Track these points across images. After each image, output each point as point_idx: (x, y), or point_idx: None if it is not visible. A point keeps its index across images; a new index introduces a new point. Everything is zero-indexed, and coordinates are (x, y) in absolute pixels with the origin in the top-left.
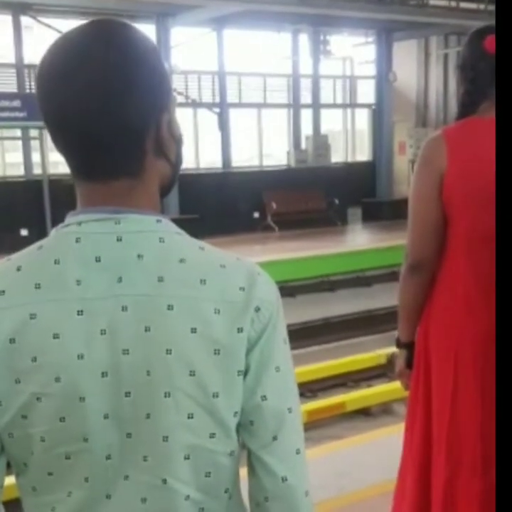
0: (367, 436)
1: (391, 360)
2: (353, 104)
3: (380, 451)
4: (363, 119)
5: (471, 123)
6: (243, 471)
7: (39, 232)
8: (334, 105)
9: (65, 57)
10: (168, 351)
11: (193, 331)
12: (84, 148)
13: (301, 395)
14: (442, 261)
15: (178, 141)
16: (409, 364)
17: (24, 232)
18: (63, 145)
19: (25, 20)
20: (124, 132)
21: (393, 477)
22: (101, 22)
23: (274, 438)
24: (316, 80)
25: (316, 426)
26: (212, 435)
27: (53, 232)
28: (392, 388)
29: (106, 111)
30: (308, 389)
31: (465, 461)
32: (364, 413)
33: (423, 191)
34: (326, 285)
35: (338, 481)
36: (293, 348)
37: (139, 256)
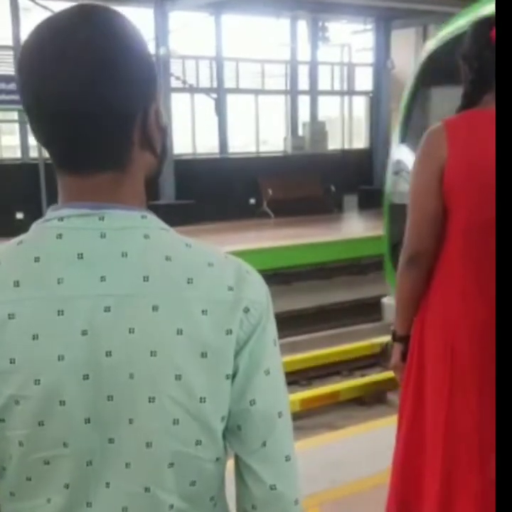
0: (359, 427)
1: (385, 349)
2: (351, 92)
3: (373, 443)
4: (360, 107)
5: (473, 115)
6: (229, 477)
7: (34, 215)
8: (332, 92)
9: (49, 41)
10: (153, 353)
11: (179, 332)
12: (69, 136)
13: (296, 383)
14: (440, 253)
15: (163, 132)
16: (404, 357)
17: (20, 216)
18: (46, 134)
19: (23, 2)
20: (111, 119)
21: (386, 469)
22: (86, 6)
23: (263, 444)
24: (313, 66)
25: (309, 414)
26: (198, 442)
27: (34, 227)
28: (386, 377)
29: (92, 95)
30: (303, 377)
31: (462, 456)
32: (358, 402)
33: (423, 182)
34: (321, 273)
35: (330, 473)
36: (288, 335)
37: (123, 254)
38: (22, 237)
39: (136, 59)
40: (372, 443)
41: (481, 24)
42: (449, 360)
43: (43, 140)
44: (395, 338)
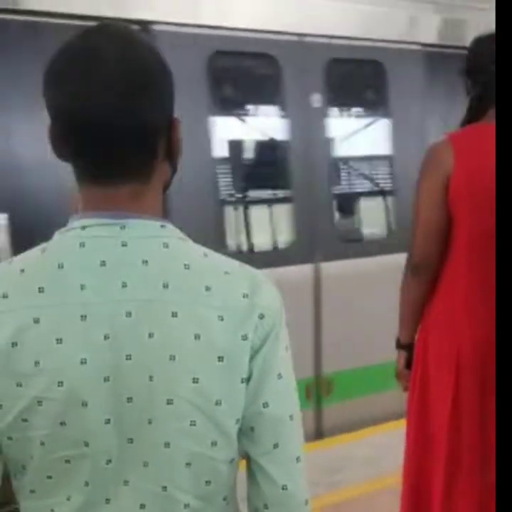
0: (360, 432)
1: None
2: None
3: (373, 447)
4: None
5: (479, 128)
6: (240, 476)
7: None
8: None
9: (79, 58)
10: (172, 357)
11: (197, 337)
12: (100, 149)
13: None
14: (444, 263)
15: (181, 143)
16: (408, 365)
17: None
18: (75, 147)
19: None
20: (141, 133)
21: (387, 473)
22: (109, 25)
23: (275, 445)
24: None
25: None
26: (213, 443)
27: (57, 235)
28: None
29: (125, 111)
30: None
31: (464, 462)
32: None
33: (429, 193)
34: None
35: (331, 477)
36: None
37: (144, 261)
38: (45, 245)
39: (161, 74)
40: (372, 447)
41: (486, 39)
42: (453, 368)
43: (70, 152)
44: (399, 346)
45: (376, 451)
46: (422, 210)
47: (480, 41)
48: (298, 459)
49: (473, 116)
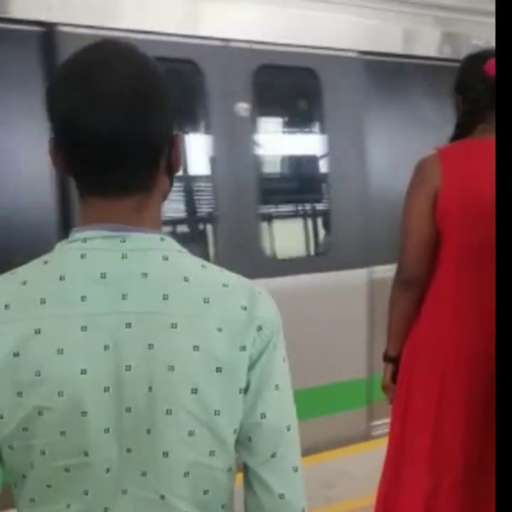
0: (355, 447)
1: None
2: None
3: (368, 462)
4: None
5: (467, 144)
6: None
7: None
8: None
9: (86, 73)
10: (171, 368)
11: (196, 348)
12: (104, 162)
13: None
14: (433, 276)
15: (180, 159)
16: (394, 378)
17: None
18: (79, 160)
19: None
20: (145, 147)
21: None
22: (113, 42)
23: (273, 455)
24: None
25: None
26: (212, 452)
27: (58, 247)
28: None
29: (130, 125)
30: None
31: (447, 473)
32: None
33: (417, 207)
34: None
35: (325, 492)
36: None
37: (144, 274)
38: (46, 256)
39: (165, 91)
40: (367, 462)
41: (475, 58)
42: (438, 384)
43: (74, 164)
44: (386, 359)
45: (371, 466)
46: (410, 224)
47: (470, 59)
48: (295, 469)
49: (462, 131)
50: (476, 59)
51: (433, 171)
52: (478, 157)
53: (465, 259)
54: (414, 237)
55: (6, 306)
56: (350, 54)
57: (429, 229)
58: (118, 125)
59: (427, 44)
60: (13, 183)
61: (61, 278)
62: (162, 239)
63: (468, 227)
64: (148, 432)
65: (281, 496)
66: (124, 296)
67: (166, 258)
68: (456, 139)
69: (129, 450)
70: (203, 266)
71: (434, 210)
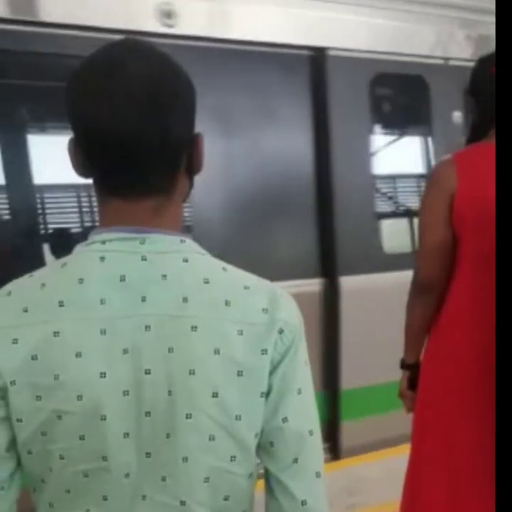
0: (378, 452)
1: None
2: None
3: (390, 468)
4: None
5: (481, 147)
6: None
7: None
8: None
9: (104, 73)
10: (191, 372)
11: (216, 352)
12: (124, 164)
13: None
14: (449, 282)
15: (202, 160)
16: (412, 385)
17: None
18: (100, 161)
19: None
20: (165, 148)
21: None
22: (132, 40)
23: (295, 460)
24: None
25: None
26: (232, 458)
27: (77, 249)
28: None
29: (149, 126)
30: None
31: (466, 482)
32: None
33: (433, 212)
34: None
35: (347, 498)
36: None
37: (163, 276)
38: (65, 259)
39: (185, 89)
40: (389, 469)
41: (485, 60)
42: (458, 390)
43: (94, 166)
44: (403, 366)
45: (393, 473)
46: (427, 230)
47: (480, 61)
48: (317, 474)
49: (476, 135)
50: (486, 61)
51: (449, 174)
52: (492, 160)
53: (481, 264)
54: (430, 242)
55: (25, 310)
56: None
57: (444, 233)
58: (136, 126)
59: None
60: (286, 178)
61: (80, 281)
62: (182, 241)
63: (483, 232)
64: (168, 436)
65: (304, 503)
66: (143, 299)
67: (185, 260)
68: (471, 143)
69: (148, 455)
70: (223, 268)
71: (450, 215)
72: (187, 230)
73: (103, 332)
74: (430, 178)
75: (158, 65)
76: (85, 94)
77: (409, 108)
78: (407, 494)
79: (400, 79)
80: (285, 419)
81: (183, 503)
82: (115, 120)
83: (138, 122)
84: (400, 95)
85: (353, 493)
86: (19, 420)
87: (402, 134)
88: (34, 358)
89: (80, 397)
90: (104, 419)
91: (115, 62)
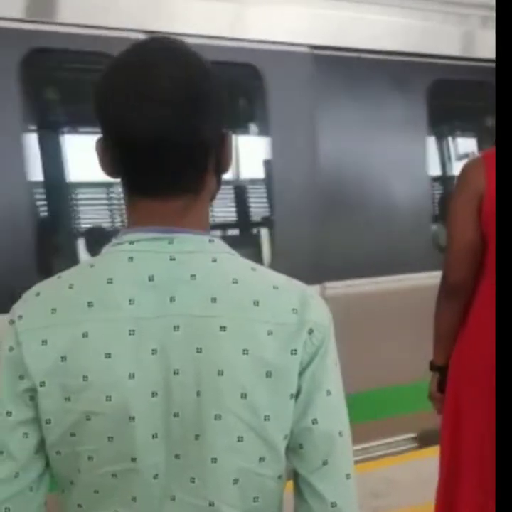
0: (404, 455)
1: None
2: None
3: (416, 472)
4: None
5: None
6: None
7: None
8: None
9: (136, 74)
10: (220, 372)
11: (245, 352)
12: (153, 164)
13: None
14: (478, 284)
15: (231, 159)
16: (441, 388)
17: None
18: (126, 162)
19: None
20: (194, 148)
21: (428, 499)
22: (159, 40)
23: (324, 462)
24: None
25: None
26: (261, 459)
27: (105, 250)
28: None
29: (178, 126)
30: None
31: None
32: None
33: (462, 213)
34: None
35: (372, 501)
36: None
37: (192, 276)
38: (93, 260)
39: (216, 88)
40: (416, 472)
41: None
42: (486, 392)
43: (122, 166)
44: (432, 368)
45: (419, 477)
46: (455, 231)
47: None
48: (348, 476)
49: None
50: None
51: (477, 175)
52: None
53: None
54: (458, 243)
55: (53, 311)
56: None
57: (473, 234)
58: (164, 126)
59: None
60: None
61: (108, 281)
62: (210, 240)
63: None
64: (197, 437)
65: (334, 505)
66: (171, 299)
67: (214, 260)
68: None
69: (177, 456)
70: (252, 268)
71: (478, 216)
72: None
73: (132, 332)
74: (458, 179)
75: (189, 65)
76: (116, 95)
77: None
78: (440, 500)
79: None
80: (314, 421)
81: (211, 504)
82: (147, 121)
83: (170, 123)
84: None
85: (379, 495)
86: (48, 421)
87: None
88: (63, 359)
89: (108, 398)
90: (133, 420)
91: (146, 63)
